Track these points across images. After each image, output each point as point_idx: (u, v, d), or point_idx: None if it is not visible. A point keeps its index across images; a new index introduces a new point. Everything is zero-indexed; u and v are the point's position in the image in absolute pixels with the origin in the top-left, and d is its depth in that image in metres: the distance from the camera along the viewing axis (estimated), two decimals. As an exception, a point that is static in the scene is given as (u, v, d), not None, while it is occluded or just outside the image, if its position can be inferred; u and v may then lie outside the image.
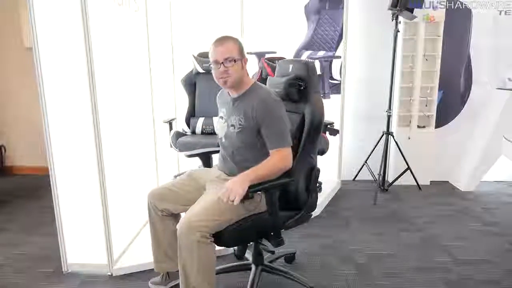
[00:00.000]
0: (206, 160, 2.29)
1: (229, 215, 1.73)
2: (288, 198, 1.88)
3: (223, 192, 1.64)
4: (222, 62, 1.75)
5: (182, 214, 1.87)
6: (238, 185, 1.63)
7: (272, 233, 1.86)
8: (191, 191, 1.97)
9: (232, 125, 1.85)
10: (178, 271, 1.76)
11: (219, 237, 1.73)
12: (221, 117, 1.98)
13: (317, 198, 1.97)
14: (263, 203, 1.79)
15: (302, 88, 1.89)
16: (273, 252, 2.24)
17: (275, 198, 1.75)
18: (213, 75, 1.82)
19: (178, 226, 1.70)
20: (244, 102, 1.83)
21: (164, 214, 1.97)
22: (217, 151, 2.12)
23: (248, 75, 1.89)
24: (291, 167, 1.78)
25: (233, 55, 1.75)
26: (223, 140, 1.94)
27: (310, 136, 1.87)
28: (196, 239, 1.63)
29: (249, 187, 1.63)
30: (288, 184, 1.83)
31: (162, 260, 2.06)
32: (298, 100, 1.93)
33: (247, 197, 1.65)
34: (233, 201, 1.60)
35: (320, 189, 3.58)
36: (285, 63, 2.09)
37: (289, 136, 1.78)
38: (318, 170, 1.91)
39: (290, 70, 1.99)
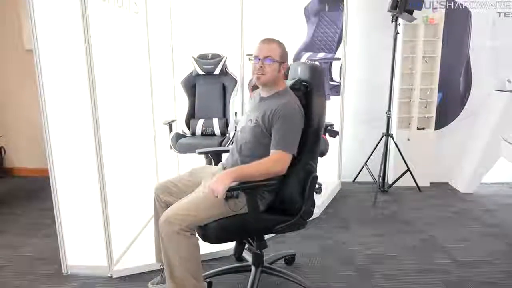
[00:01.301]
0: (218, 159, 2.30)
1: (209, 212, 1.74)
2: (283, 203, 1.87)
3: (208, 187, 1.68)
4: (262, 59, 1.82)
5: None
6: (219, 181, 1.64)
7: (255, 235, 1.86)
8: (190, 186, 2.00)
9: (250, 120, 1.90)
10: None
11: (204, 232, 1.77)
12: (246, 113, 2.06)
13: (314, 205, 1.93)
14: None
15: (307, 90, 1.90)
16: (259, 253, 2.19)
17: (256, 201, 1.74)
18: (251, 69, 1.88)
19: (161, 217, 1.73)
20: (268, 103, 1.86)
21: (164, 205, 1.98)
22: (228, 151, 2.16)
23: (283, 80, 1.93)
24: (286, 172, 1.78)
25: (273, 55, 1.83)
26: (239, 133, 1.98)
27: (309, 140, 1.85)
28: (176, 231, 1.67)
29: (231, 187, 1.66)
30: (281, 188, 1.83)
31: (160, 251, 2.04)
32: (303, 103, 1.91)
33: (231, 196, 1.67)
34: (217, 196, 1.63)
35: (320, 191, 3.58)
36: (294, 66, 2.10)
37: (294, 145, 1.78)
38: (316, 177, 1.87)
39: (298, 73, 2.01)
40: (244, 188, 1.70)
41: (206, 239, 1.79)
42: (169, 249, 1.72)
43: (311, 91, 1.88)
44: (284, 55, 1.88)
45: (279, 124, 1.77)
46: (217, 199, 1.67)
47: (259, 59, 1.83)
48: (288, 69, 1.98)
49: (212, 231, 1.77)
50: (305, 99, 1.89)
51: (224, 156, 2.23)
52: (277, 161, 1.74)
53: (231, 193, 1.71)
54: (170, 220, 1.69)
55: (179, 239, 1.69)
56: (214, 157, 2.31)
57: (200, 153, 2.35)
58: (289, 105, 1.80)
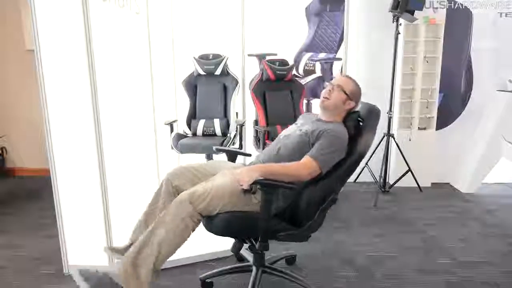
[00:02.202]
0: (232, 160, 2.32)
1: (225, 199, 1.76)
2: (294, 212, 1.88)
3: (235, 174, 1.77)
4: (334, 85, 1.97)
5: None
6: (247, 173, 1.71)
7: (259, 236, 1.86)
8: (207, 175, 2.01)
9: (300, 129, 1.98)
10: None
11: (210, 221, 1.78)
12: (296, 124, 2.14)
13: (321, 224, 1.93)
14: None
15: (359, 125, 1.99)
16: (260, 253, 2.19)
17: (271, 201, 1.75)
18: (321, 93, 2.03)
19: (177, 198, 1.74)
20: (322, 124, 1.96)
21: (174, 191, 1.98)
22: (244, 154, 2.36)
23: (342, 116, 2.00)
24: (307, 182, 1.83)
25: (345, 87, 1.96)
26: (282, 137, 2.04)
27: (342, 168, 1.89)
28: (189, 212, 1.69)
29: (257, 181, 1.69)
30: (298, 198, 1.85)
31: (140, 232, 1.95)
32: (351, 134, 1.97)
33: (250, 189, 1.71)
34: (241, 185, 1.70)
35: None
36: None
37: (325, 162, 1.81)
38: (335, 200, 1.89)
39: (358, 108, 2.09)
40: (267, 184, 1.71)
41: (211, 228, 1.81)
42: (163, 229, 1.69)
43: (364, 127, 1.97)
44: (355, 94, 1.99)
45: (322, 140, 1.86)
46: (236, 190, 1.73)
47: (332, 85, 1.98)
48: (353, 113, 2.03)
49: (219, 222, 1.77)
50: (354, 132, 1.97)
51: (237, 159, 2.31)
52: (304, 165, 1.79)
53: (250, 187, 1.73)
54: (189, 201, 1.70)
55: (183, 223, 1.69)
56: (229, 158, 2.33)
57: (218, 149, 2.42)
58: (339, 133, 1.89)
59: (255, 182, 1.69)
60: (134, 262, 1.68)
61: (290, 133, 2.04)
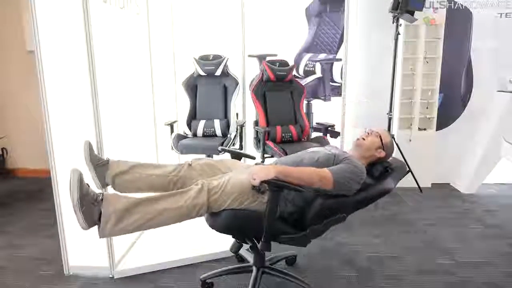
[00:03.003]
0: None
1: (234, 193, 1.78)
2: (301, 218, 1.88)
3: (251, 169, 1.82)
4: (372, 131, 2.12)
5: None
6: (264, 170, 1.74)
7: (263, 236, 1.86)
8: (223, 171, 2.04)
9: (329, 151, 2.05)
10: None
11: (214, 217, 1.80)
12: (325, 147, 2.22)
13: (324, 232, 1.92)
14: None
15: (387, 171, 2.07)
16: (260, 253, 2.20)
17: (277, 201, 1.75)
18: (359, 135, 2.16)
19: (199, 182, 1.78)
20: (348, 155, 2.01)
21: (189, 168, 2.01)
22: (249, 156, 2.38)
23: (369, 162, 2.07)
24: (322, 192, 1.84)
25: (382, 138, 2.09)
26: (309, 151, 2.11)
27: (366, 194, 1.94)
28: (203, 202, 1.73)
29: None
30: (307, 205, 1.86)
31: (133, 180, 1.96)
32: (376, 176, 2.04)
33: (259, 189, 1.75)
34: (255, 179, 1.72)
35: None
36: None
37: (341, 182, 1.82)
38: (344, 218, 1.90)
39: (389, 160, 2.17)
40: (276, 184, 1.72)
41: (213, 225, 1.82)
42: (174, 202, 1.71)
43: (389, 175, 2.04)
44: (389, 148, 2.11)
45: (343, 164, 1.90)
46: (246, 188, 1.77)
47: (371, 130, 2.13)
48: (383, 162, 2.11)
49: (223, 218, 1.78)
50: (379, 175, 2.04)
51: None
52: (321, 175, 1.80)
53: (259, 186, 1.76)
54: (207, 191, 1.74)
55: (194, 209, 1.72)
56: (233, 159, 2.33)
57: (223, 150, 2.46)
58: (360, 167, 1.92)
59: (266, 182, 1.71)
60: (128, 208, 1.67)
61: (318, 150, 2.11)
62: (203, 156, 3.13)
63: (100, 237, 1.67)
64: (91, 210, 1.61)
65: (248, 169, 1.92)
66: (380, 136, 2.08)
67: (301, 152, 2.15)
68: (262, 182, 1.71)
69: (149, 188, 1.97)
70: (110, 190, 1.99)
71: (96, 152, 2.02)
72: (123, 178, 1.94)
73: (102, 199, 1.65)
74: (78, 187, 1.58)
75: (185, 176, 1.99)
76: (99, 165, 1.93)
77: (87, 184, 1.67)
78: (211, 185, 1.78)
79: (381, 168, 2.06)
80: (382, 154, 2.08)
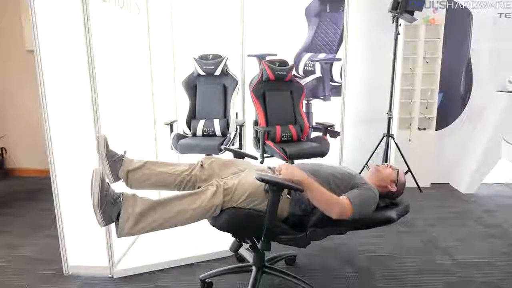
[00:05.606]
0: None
1: (245, 195, 1.80)
2: (304, 221, 1.88)
3: (279, 165, 1.86)
4: (393, 167, 2.19)
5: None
6: (291, 171, 1.77)
7: (263, 236, 1.86)
8: (238, 167, 2.06)
9: (348, 172, 2.08)
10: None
11: (216, 217, 1.80)
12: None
13: (325, 236, 1.92)
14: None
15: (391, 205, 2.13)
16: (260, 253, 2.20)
17: (277, 204, 1.74)
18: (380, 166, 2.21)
19: (214, 183, 1.81)
20: (366, 181, 2.07)
21: (201, 168, 2.03)
22: (251, 156, 2.38)
23: (380, 190, 2.06)
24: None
25: (399, 175, 2.15)
26: (328, 169, 2.09)
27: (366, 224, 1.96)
28: (220, 202, 1.76)
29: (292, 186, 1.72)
30: (313, 211, 1.86)
31: (146, 177, 2.01)
32: (381, 206, 2.07)
33: (267, 189, 1.76)
34: (279, 172, 1.78)
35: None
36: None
37: (356, 209, 1.81)
38: (345, 231, 1.91)
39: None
40: (295, 189, 1.72)
41: (214, 223, 1.82)
42: (191, 204, 1.73)
43: (393, 207, 2.08)
44: (401, 185, 2.15)
45: (361, 189, 1.94)
46: (258, 187, 1.80)
47: (390, 165, 2.20)
48: (389, 197, 2.16)
49: (225, 216, 1.79)
50: (383, 205, 2.08)
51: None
52: (341, 204, 1.79)
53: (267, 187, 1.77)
54: (222, 192, 1.76)
55: (211, 210, 1.74)
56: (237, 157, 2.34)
57: (226, 149, 2.47)
58: (376, 192, 1.98)
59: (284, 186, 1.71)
60: (146, 209, 1.69)
61: (338, 168, 2.13)
62: (203, 156, 3.13)
63: (118, 237, 1.70)
64: (110, 210, 1.65)
65: (260, 170, 1.95)
66: (397, 172, 2.16)
67: (319, 164, 2.15)
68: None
69: (162, 185, 2.01)
70: (124, 187, 1.99)
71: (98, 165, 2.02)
72: (136, 175, 1.98)
73: (122, 199, 1.68)
74: (99, 187, 1.62)
75: (197, 175, 2.01)
76: (114, 160, 1.96)
77: (108, 184, 1.70)
78: (226, 185, 1.80)
79: (388, 201, 2.13)
80: (394, 188, 2.12)
